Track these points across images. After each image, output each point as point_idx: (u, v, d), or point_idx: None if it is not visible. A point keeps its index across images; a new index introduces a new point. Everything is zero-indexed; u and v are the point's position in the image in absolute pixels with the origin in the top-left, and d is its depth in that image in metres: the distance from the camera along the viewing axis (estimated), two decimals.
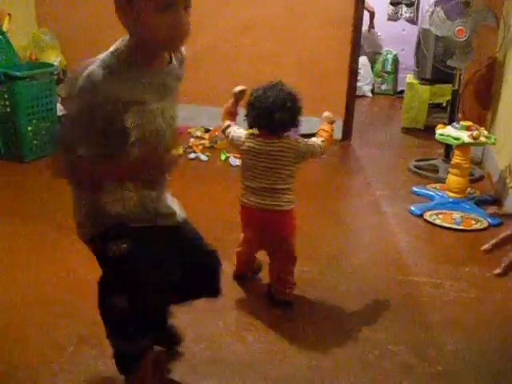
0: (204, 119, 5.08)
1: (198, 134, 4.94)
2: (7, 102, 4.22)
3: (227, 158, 4.39)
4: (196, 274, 1.81)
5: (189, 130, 5.00)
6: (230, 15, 5.01)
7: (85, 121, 1.48)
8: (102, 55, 1.49)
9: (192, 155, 4.44)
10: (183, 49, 1.67)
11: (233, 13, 4.99)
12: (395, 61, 7.66)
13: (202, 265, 1.84)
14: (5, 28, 4.61)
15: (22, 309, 2.41)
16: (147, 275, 1.60)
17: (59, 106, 4.63)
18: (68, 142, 1.54)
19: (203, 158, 4.42)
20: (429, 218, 3.45)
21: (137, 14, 1.38)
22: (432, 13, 4.21)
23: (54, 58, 4.94)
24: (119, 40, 1.50)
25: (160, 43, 1.45)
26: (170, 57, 1.59)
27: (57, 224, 3.13)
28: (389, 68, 7.67)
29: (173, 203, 1.77)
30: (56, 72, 4.66)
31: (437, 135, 3.71)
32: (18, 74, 4.16)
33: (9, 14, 4.66)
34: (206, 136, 4.82)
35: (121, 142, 1.53)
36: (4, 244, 2.99)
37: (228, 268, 2.56)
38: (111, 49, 1.50)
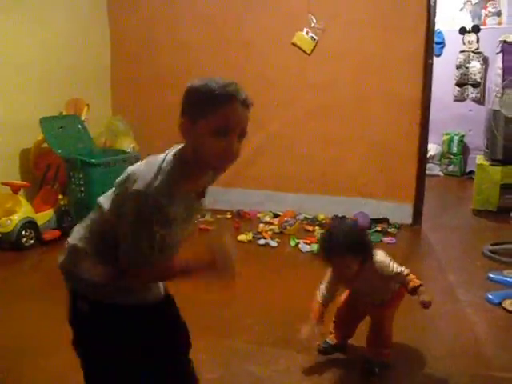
0: (273, 204, 5.11)
1: (267, 219, 4.95)
2: (82, 188, 4.39)
3: (297, 243, 4.35)
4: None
5: (258, 216, 5.04)
6: (298, 102, 5.11)
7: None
8: (158, 165, 1.52)
9: (261, 241, 4.41)
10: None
11: (301, 100, 5.08)
12: (461, 142, 7.61)
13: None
14: (83, 117, 4.86)
15: None
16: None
17: None
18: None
19: (273, 243, 4.38)
20: (508, 307, 3.30)
21: (197, 135, 1.50)
22: (502, 95, 4.19)
23: (128, 145, 5.12)
24: (173, 151, 1.57)
25: (210, 162, 1.54)
26: (203, 192, 1.69)
27: None
28: (455, 149, 7.62)
29: None
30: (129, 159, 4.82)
31: None
32: (93, 161, 4.34)
33: (87, 105, 4.92)
34: (275, 221, 4.82)
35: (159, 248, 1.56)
36: None
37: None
38: (169, 158, 1.55)
